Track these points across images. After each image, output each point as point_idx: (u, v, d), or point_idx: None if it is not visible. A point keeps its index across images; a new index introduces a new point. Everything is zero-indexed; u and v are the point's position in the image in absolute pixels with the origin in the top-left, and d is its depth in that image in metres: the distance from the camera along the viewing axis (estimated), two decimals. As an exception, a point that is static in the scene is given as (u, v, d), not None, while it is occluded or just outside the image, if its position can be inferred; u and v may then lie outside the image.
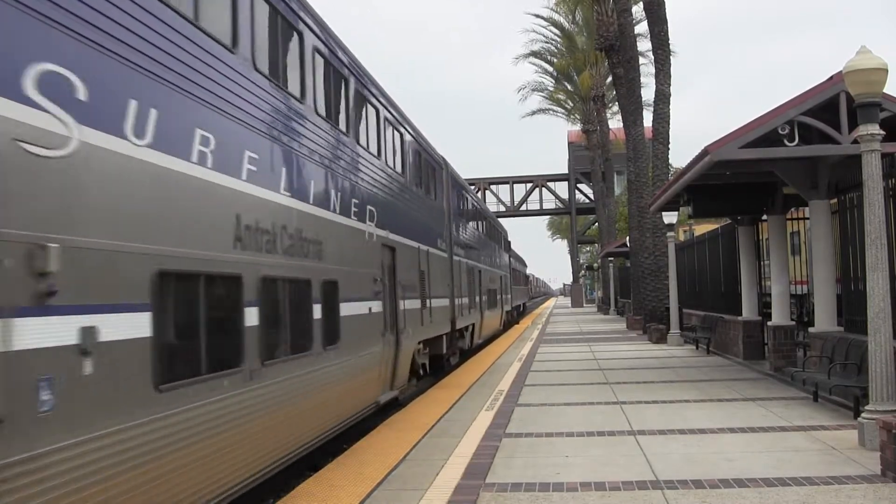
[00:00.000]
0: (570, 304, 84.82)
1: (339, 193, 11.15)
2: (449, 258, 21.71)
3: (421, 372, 17.71)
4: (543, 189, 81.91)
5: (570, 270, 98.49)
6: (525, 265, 77.77)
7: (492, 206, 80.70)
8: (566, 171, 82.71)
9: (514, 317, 51.56)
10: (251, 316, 7.96)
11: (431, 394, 16.23)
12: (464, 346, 24.50)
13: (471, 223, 28.43)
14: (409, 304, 15.56)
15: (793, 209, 19.48)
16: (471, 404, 14.16)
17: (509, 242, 47.49)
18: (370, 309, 12.58)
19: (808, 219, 18.93)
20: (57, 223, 5.05)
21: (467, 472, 8.99)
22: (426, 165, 19.23)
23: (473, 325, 26.48)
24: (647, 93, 37.51)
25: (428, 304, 17.66)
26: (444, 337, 20.48)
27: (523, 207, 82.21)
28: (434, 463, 9.47)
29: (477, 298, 27.87)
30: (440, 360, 20.91)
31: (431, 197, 19.69)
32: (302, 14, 10.07)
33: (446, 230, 21.78)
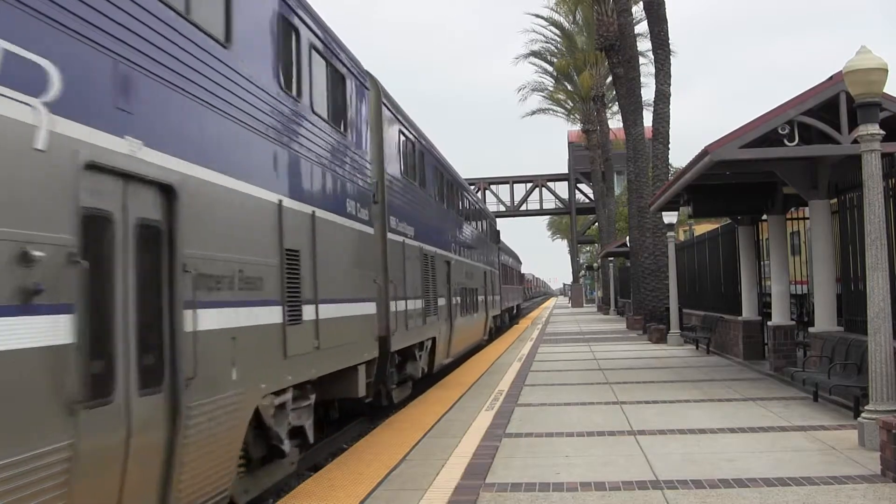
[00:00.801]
0: (570, 304, 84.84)
1: None
2: (379, 236, 13.92)
3: (287, 448, 9.23)
4: (543, 189, 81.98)
5: (570, 270, 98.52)
6: (519, 261, 67.16)
7: (492, 206, 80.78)
8: (566, 171, 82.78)
9: (506, 321, 45.18)
10: None
11: (432, 394, 16.23)
12: (415, 374, 16.62)
13: (434, 193, 20.10)
14: (232, 317, 7.45)
15: (793, 209, 19.49)
16: (471, 404, 14.15)
17: (498, 232, 40.51)
18: None
19: (808, 219, 18.94)
20: None
21: (467, 471, 8.98)
22: (317, 61, 10.77)
23: (434, 339, 18.46)
24: (648, 93, 37.53)
25: (309, 315, 9.59)
26: (361, 369, 12.00)
27: (523, 207, 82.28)
28: (434, 463, 9.46)
29: (443, 301, 19.84)
30: (366, 404, 13.71)
31: (336, 127, 11.41)
32: None
33: (375, 190, 13.63)
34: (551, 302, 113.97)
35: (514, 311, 53.93)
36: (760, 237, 20.41)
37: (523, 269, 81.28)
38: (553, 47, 60.69)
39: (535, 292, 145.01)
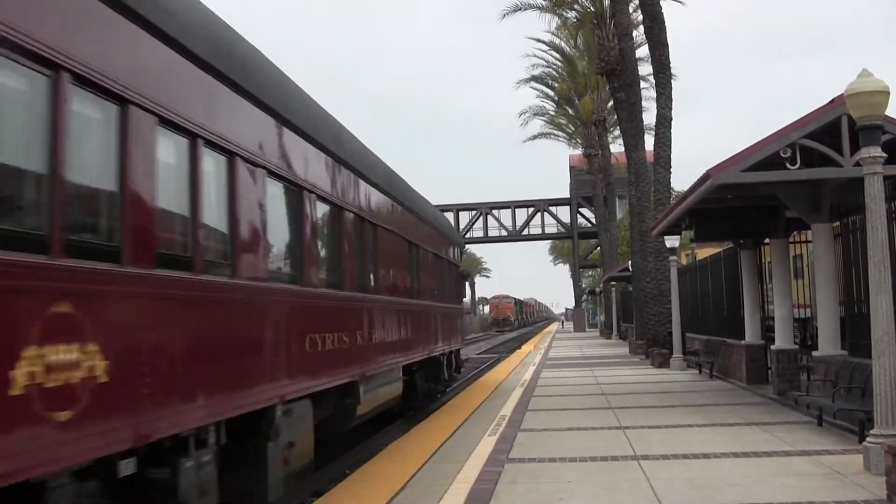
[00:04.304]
0: (572, 329, 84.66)
1: None
2: None
3: None
4: (545, 213, 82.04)
5: (573, 295, 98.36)
6: (456, 242, 26.32)
7: (493, 230, 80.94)
8: (568, 196, 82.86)
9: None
10: None
11: (434, 419, 16.15)
12: None
13: None
14: None
15: (795, 232, 19.47)
16: (474, 429, 14.06)
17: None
18: None
19: (810, 242, 18.92)
20: None
21: (470, 497, 8.90)
22: None
23: None
24: (649, 117, 37.67)
25: None
26: None
27: (525, 232, 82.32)
28: (436, 489, 9.38)
29: None
30: None
31: None
32: None
33: None
34: (553, 326, 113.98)
35: (439, 377, 21.49)
36: (763, 261, 20.38)
37: (525, 294, 79.42)
38: (554, 72, 60.95)
39: (538, 317, 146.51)
